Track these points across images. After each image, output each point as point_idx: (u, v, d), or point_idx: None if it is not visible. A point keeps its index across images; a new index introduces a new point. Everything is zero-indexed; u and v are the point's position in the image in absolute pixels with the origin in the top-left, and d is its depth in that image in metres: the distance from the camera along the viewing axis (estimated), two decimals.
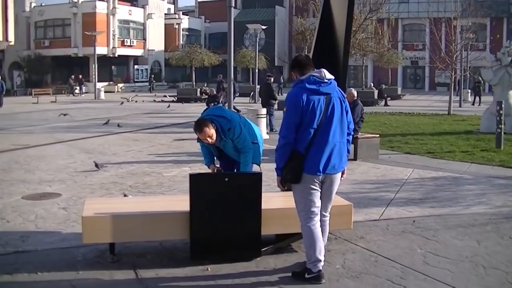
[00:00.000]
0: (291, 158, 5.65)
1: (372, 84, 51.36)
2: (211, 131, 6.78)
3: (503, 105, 16.41)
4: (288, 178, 5.74)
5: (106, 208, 6.85)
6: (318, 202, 5.85)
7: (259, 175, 6.54)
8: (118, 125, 23.12)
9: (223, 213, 6.39)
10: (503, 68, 20.88)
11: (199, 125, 6.80)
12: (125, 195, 9.84)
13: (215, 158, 7.47)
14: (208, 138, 6.82)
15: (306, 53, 6.03)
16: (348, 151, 5.99)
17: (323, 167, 5.67)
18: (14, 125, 24.45)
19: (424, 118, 28.54)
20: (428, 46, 43.15)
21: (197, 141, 7.20)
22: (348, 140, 5.94)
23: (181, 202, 6.77)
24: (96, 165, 12.94)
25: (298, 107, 5.59)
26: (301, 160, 5.64)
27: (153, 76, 66.75)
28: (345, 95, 6.04)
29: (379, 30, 44.54)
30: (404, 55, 63.91)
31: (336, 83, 5.83)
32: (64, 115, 27.95)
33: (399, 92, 51.99)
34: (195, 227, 6.38)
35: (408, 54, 69.29)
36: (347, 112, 5.87)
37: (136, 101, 43.54)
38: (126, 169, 13.19)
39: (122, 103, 39.84)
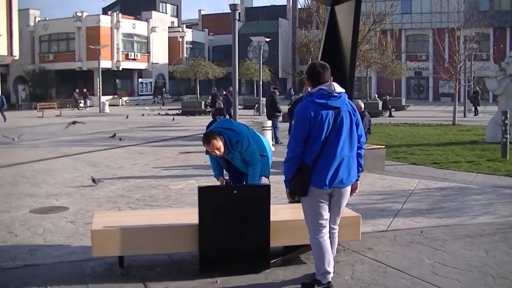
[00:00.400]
0: (299, 170, 5.65)
1: (377, 95, 51.36)
2: (219, 143, 6.81)
3: (508, 115, 16.39)
4: (296, 191, 5.75)
5: (114, 221, 6.87)
6: (326, 215, 5.85)
7: (267, 187, 6.56)
8: (120, 139, 23.09)
9: (231, 226, 6.41)
10: (507, 77, 20.88)
11: (207, 138, 6.84)
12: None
13: (224, 170, 7.50)
14: (216, 151, 6.85)
15: (322, 62, 5.94)
16: (360, 165, 5.95)
17: (330, 181, 5.66)
18: (19, 139, 24.49)
19: (429, 128, 28.52)
20: (431, 57, 43.13)
21: (206, 153, 7.24)
22: (359, 154, 5.91)
23: (189, 215, 6.80)
24: (93, 180, 12.81)
25: (306, 120, 5.59)
26: (308, 173, 5.64)
27: (164, 89, 66.45)
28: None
29: (383, 41, 44.60)
30: (407, 66, 63.95)
31: (346, 96, 5.82)
32: (73, 123, 27.84)
33: (403, 103, 52.01)
34: (203, 240, 6.39)
35: (412, 65, 69.29)
36: (357, 126, 5.84)
37: (153, 113, 43.94)
38: (132, 182, 13.21)
39: (127, 116, 39.91)
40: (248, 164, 7.04)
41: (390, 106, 41.49)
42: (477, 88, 38.95)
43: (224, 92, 31.23)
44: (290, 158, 5.69)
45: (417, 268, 6.69)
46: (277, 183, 7.19)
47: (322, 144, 5.61)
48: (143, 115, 42.13)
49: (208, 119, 31.89)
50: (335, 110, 5.66)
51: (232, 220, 6.40)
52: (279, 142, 20.63)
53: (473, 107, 41.13)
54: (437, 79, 48.56)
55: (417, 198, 11.07)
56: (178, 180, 13.52)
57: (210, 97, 34.07)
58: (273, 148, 18.23)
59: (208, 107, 40.74)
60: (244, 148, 6.91)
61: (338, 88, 5.73)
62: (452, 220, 9.20)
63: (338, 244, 6.31)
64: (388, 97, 44.61)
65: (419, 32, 66.36)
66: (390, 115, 39.62)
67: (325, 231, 5.83)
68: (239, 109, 22.72)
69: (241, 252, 6.47)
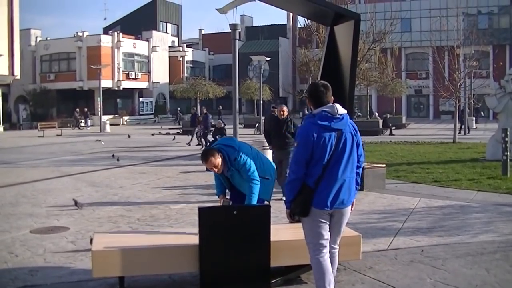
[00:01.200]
0: (301, 192, 5.65)
1: (377, 114, 51.40)
2: (217, 160, 6.86)
3: (508, 132, 16.39)
4: (297, 212, 5.74)
5: (115, 241, 6.87)
6: (326, 235, 5.84)
7: (267, 208, 6.58)
8: (118, 160, 23.00)
9: (232, 246, 6.42)
10: (507, 95, 20.91)
11: (205, 154, 6.92)
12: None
13: (226, 189, 7.52)
14: (214, 168, 6.90)
15: (323, 82, 5.94)
16: (358, 183, 5.96)
17: (331, 202, 5.65)
18: (20, 158, 24.54)
19: (429, 146, 28.52)
20: (431, 75, 43.24)
21: (206, 170, 7.29)
22: (357, 173, 5.92)
23: (190, 235, 6.80)
24: (76, 203, 12.46)
25: (309, 142, 5.57)
26: (310, 194, 5.63)
27: (179, 109, 65.79)
28: (356, 129, 5.99)
29: (382, 60, 44.79)
30: (408, 84, 64.15)
31: (348, 117, 5.82)
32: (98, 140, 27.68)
33: (403, 121, 52.06)
34: (204, 260, 6.39)
35: (412, 83, 69.50)
36: (358, 146, 5.85)
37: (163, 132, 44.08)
38: (133, 202, 13.21)
39: (129, 136, 39.96)
40: (246, 182, 7.04)
41: (390, 124, 41.50)
42: (464, 106, 38.93)
43: (205, 111, 31.26)
44: (292, 180, 5.68)
45: (418, 287, 6.68)
46: (277, 202, 7.20)
47: (324, 166, 5.61)
48: (153, 134, 42.07)
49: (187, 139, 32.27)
50: (337, 132, 5.65)
51: (232, 240, 6.41)
52: None
53: (461, 126, 39.37)
54: (437, 97, 48.53)
55: (417, 216, 11.06)
56: (178, 199, 13.51)
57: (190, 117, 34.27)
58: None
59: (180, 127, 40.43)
60: (240, 165, 6.93)
61: (340, 110, 5.71)
62: (453, 238, 9.20)
63: (338, 264, 6.30)
64: (388, 115, 44.62)
65: (419, 50, 66.55)
66: (391, 133, 39.63)
67: (326, 251, 5.82)
68: (239, 128, 22.70)
69: (242, 272, 6.46)
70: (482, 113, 41.45)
